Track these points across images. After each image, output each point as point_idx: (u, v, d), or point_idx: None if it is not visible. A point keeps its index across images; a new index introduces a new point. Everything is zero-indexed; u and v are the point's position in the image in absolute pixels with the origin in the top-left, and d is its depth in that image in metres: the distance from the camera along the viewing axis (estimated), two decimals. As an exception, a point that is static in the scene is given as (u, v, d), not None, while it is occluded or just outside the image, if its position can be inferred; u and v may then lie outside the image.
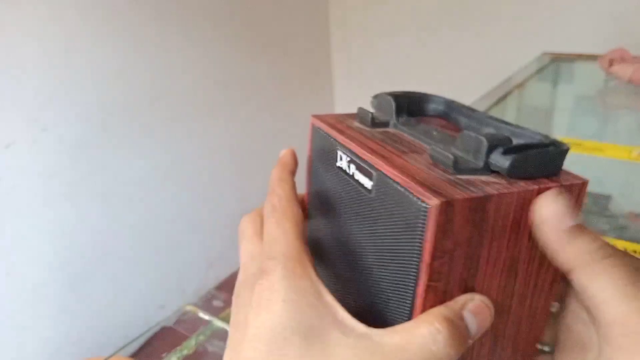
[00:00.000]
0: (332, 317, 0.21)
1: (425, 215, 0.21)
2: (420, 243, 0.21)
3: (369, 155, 0.25)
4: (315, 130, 0.30)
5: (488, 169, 0.23)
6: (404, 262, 0.22)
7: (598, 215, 0.76)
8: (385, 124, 0.29)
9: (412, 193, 0.21)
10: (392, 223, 0.23)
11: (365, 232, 0.25)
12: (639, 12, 1.24)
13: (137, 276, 1.32)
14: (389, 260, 0.23)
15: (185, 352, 0.54)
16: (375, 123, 0.29)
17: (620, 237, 0.60)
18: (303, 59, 1.80)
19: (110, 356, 0.58)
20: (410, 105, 0.30)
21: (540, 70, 1.16)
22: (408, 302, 0.22)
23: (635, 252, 0.56)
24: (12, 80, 1.01)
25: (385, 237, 0.23)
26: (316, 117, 0.30)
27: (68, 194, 1.14)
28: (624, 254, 0.21)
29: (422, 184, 0.21)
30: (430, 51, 1.60)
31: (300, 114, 1.82)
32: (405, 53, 1.66)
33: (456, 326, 0.20)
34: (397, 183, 0.22)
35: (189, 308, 0.59)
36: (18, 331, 1.10)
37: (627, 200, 0.84)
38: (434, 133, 0.27)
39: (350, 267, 0.27)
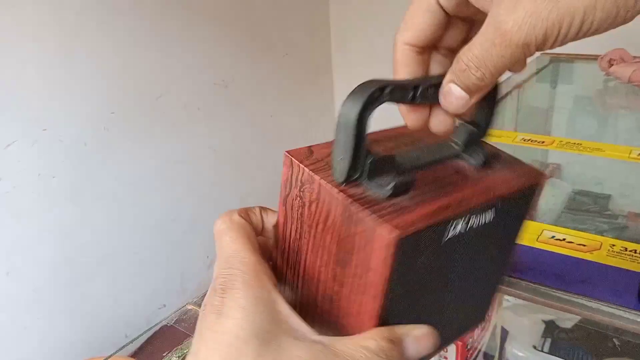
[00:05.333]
0: (287, 324, 0.23)
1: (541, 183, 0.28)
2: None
3: (472, 197, 0.25)
4: (395, 245, 0.22)
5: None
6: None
7: (598, 215, 0.77)
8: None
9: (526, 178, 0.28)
10: (514, 216, 0.28)
11: (488, 255, 0.29)
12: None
13: (138, 275, 1.33)
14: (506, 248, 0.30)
15: (186, 351, 0.54)
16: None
17: (619, 237, 0.60)
18: (303, 59, 1.80)
19: (111, 356, 0.59)
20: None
21: (539, 71, 1.16)
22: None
23: (635, 252, 0.56)
24: (13, 80, 1.01)
25: (508, 233, 0.29)
26: (401, 232, 0.22)
27: (68, 194, 1.14)
28: None
29: (524, 165, 0.28)
30: (430, 51, 1.60)
31: (301, 114, 1.82)
32: (405, 53, 1.66)
33: (396, 347, 0.24)
34: (514, 190, 0.27)
35: (189, 307, 0.59)
36: (18, 331, 1.10)
37: (626, 200, 0.84)
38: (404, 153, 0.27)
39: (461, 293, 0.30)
